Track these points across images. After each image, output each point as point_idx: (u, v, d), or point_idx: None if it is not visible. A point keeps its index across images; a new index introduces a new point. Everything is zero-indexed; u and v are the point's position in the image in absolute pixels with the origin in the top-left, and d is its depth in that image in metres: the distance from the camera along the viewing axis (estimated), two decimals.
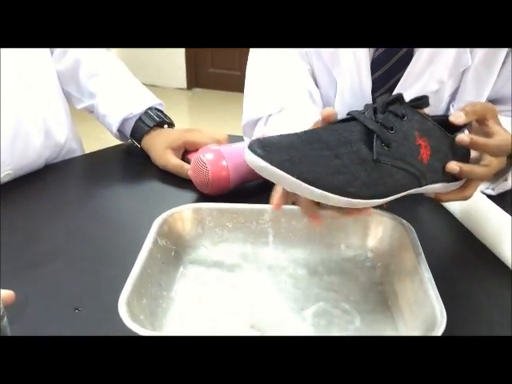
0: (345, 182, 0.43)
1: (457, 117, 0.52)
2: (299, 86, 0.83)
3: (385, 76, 0.79)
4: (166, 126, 0.88)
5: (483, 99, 0.79)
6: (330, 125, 0.49)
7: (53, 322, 0.50)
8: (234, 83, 3.78)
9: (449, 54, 0.75)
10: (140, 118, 0.86)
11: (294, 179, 0.42)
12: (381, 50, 0.78)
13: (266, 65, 0.86)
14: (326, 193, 0.43)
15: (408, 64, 0.77)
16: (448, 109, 0.82)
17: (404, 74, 0.77)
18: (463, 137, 0.52)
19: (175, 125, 0.91)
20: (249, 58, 0.89)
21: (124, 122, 0.87)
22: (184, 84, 3.91)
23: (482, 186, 0.73)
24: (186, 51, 3.79)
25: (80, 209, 0.72)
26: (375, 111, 0.48)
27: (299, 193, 0.44)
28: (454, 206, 0.69)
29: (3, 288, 0.44)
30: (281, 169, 0.42)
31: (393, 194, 0.48)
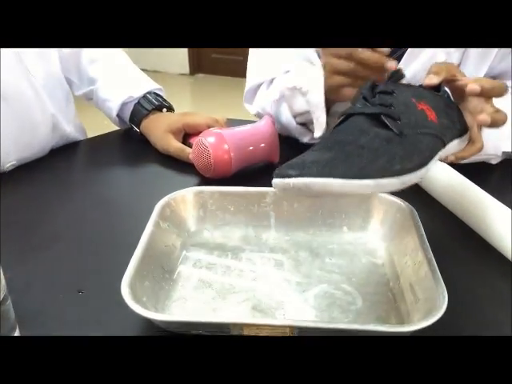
0: (386, 162, 0.42)
1: (430, 78, 0.54)
2: (300, 53, 0.83)
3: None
4: (164, 110, 0.87)
5: (481, 75, 0.79)
6: (334, 129, 0.48)
7: (56, 303, 0.51)
8: (237, 68, 3.75)
9: None
10: (139, 102, 0.86)
11: (342, 181, 0.40)
12: None
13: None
14: (379, 179, 0.41)
15: None
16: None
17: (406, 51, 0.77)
18: (472, 85, 0.53)
19: (175, 109, 0.90)
20: None
21: (123, 106, 0.87)
22: (187, 70, 3.89)
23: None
24: None
25: (82, 193, 0.72)
26: (366, 100, 0.48)
27: (351, 192, 0.42)
28: (454, 205, 0.68)
29: (7, 271, 0.44)
30: (323, 176, 0.40)
31: (430, 159, 0.47)
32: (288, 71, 0.81)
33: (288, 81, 0.76)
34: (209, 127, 0.79)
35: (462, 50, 0.78)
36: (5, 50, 0.72)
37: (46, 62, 0.81)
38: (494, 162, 0.78)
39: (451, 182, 0.66)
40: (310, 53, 0.82)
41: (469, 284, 0.54)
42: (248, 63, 0.91)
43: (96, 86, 0.88)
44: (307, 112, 0.74)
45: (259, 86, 0.89)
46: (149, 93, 0.87)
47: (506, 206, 0.60)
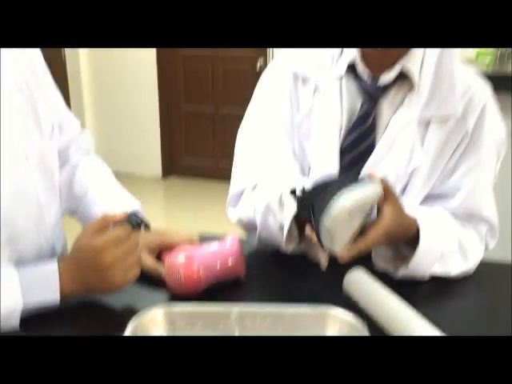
0: None
1: (341, 258, 0.73)
2: (282, 160, 0.93)
3: (350, 164, 0.89)
4: (141, 227, 0.94)
5: (424, 194, 0.89)
6: None
7: None
8: (208, 172, 3.92)
9: (404, 150, 0.86)
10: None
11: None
12: (348, 139, 0.88)
13: (252, 143, 0.96)
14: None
15: (370, 154, 0.87)
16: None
17: (365, 165, 0.87)
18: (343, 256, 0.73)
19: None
20: (238, 136, 0.99)
21: None
22: (159, 172, 4.03)
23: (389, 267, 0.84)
24: (161, 140, 3.94)
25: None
26: None
27: None
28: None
29: None
30: None
31: None
32: (269, 178, 0.91)
33: (273, 195, 0.85)
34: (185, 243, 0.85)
35: (408, 175, 0.88)
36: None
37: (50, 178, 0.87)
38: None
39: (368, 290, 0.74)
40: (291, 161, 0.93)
41: None
42: (233, 168, 0.99)
43: (82, 204, 0.95)
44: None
45: (243, 191, 0.96)
46: (131, 212, 0.93)
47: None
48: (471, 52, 2.24)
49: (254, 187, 0.93)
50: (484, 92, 0.87)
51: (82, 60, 3.87)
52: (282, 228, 0.82)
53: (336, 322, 0.65)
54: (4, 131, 0.73)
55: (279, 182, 0.87)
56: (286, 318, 0.66)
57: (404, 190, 0.89)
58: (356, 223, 0.73)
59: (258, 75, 3.74)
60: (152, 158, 4.01)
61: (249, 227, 0.94)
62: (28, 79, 0.79)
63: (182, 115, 3.92)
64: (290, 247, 0.85)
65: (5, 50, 0.75)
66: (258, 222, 0.88)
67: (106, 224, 0.74)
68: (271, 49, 3.44)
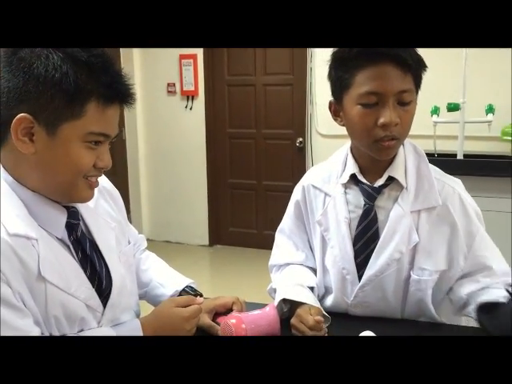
0: None
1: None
2: (301, 250, 1.29)
3: (363, 248, 1.16)
4: (198, 296, 1.22)
5: (433, 266, 1.12)
6: None
7: None
8: (252, 241, 4.21)
9: (403, 233, 1.11)
10: (180, 294, 1.20)
11: None
12: (358, 229, 1.15)
13: (280, 237, 1.34)
14: None
15: (378, 239, 1.13)
16: (409, 275, 1.14)
17: (376, 248, 1.13)
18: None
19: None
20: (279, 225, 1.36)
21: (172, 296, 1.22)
22: (206, 241, 4.36)
23: None
24: (208, 211, 4.30)
25: None
26: None
27: None
28: None
29: None
30: None
31: None
32: (287, 264, 1.28)
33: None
34: (233, 304, 1.14)
35: (412, 250, 1.12)
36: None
37: (132, 272, 1.17)
38: None
39: None
40: (307, 251, 1.28)
41: None
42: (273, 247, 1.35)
43: (148, 288, 1.24)
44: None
45: (273, 268, 1.34)
46: (187, 286, 1.22)
47: None
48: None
49: (279, 267, 1.32)
50: (456, 184, 1.14)
51: (140, 143, 4.36)
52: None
53: None
54: (110, 242, 1.05)
55: (288, 274, 1.25)
56: None
57: (412, 263, 1.14)
58: None
59: (298, 150, 4.10)
60: (200, 228, 4.36)
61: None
62: (113, 207, 1.12)
63: (227, 189, 4.29)
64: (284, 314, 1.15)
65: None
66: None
67: (187, 303, 1.06)
68: (309, 129, 3.81)
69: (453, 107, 2.33)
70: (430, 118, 2.43)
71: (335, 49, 1.10)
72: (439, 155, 2.38)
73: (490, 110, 2.40)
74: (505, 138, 3.06)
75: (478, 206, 1.16)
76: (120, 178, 4.10)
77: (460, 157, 2.36)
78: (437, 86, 2.91)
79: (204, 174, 4.24)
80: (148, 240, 1.36)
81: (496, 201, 2.13)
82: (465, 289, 1.12)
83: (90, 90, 0.83)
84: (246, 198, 4.24)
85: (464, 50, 2.28)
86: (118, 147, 4.25)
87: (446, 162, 2.22)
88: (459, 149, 2.37)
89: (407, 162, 1.14)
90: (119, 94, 0.87)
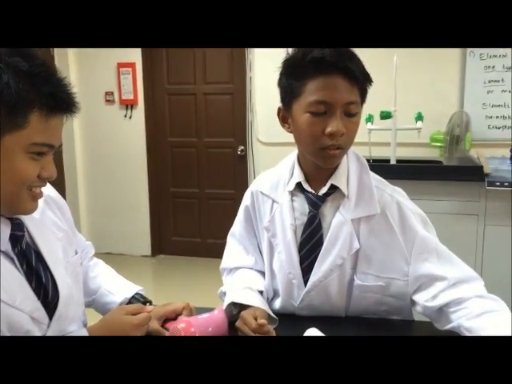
0: None
1: None
2: (251, 254, 1.32)
3: (308, 254, 1.20)
4: (147, 304, 1.22)
5: (375, 272, 1.17)
6: None
7: None
8: (195, 249, 4.20)
9: (344, 240, 1.16)
10: (130, 301, 1.21)
11: None
12: (303, 236, 1.19)
13: (231, 241, 1.37)
14: None
15: (322, 245, 1.18)
16: (353, 279, 1.20)
17: (320, 253, 1.18)
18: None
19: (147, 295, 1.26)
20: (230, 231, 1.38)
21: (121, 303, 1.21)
22: (149, 251, 4.30)
23: None
24: (150, 221, 4.25)
25: None
26: None
27: None
28: None
29: None
30: None
31: None
32: (237, 268, 1.30)
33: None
34: (183, 309, 1.15)
35: (353, 256, 1.17)
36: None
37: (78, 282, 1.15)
38: None
39: None
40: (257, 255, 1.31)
41: None
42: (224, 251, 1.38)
43: (97, 295, 1.24)
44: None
45: (225, 269, 1.36)
46: (136, 293, 1.23)
47: None
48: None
49: (230, 271, 1.34)
50: (395, 192, 1.19)
51: (78, 152, 4.25)
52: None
53: None
54: (57, 253, 1.04)
55: (238, 278, 1.29)
56: None
57: (355, 268, 1.19)
58: None
59: (239, 157, 4.15)
60: (142, 238, 4.30)
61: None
62: (59, 217, 1.11)
63: (169, 198, 4.27)
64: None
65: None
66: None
67: (136, 311, 1.07)
68: (250, 137, 3.87)
69: (385, 115, 2.46)
70: (365, 125, 2.55)
71: (287, 56, 1.12)
72: (374, 161, 2.49)
73: (419, 117, 2.56)
74: (433, 144, 3.26)
75: None
76: (57, 188, 3.95)
77: (393, 162, 2.49)
78: (371, 95, 3.07)
79: (145, 183, 4.20)
80: None
81: (426, 203, 2.27)
82: (421, 298, 1.13)
83: (32, 100, 0.82)
84: (189, 206, 4.24)
85: (395, 60, 2.41)
86: (55, 156, 4.07)
87: (380, 167, 2.34)
88: (392, 154, 2.50)
89: (350, 172, 1.19)
90: (62, 103, 0.87)
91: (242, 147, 3.97)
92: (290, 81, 1.10)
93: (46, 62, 0.85)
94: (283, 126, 1.18)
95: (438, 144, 3.23)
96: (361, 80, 1.08)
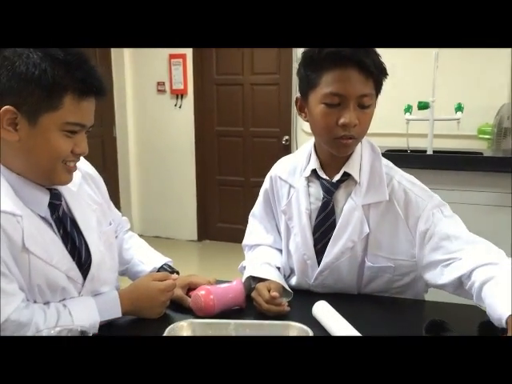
0: None
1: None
2: (270, 233, 1.41)
3: (321, 237, 1.28)
4: (174, 273, 1.33)
5: (385, 253, 1.23)
6: None
7: None
8: (239, 236, 4.30)
9: (355, 225, 1.22)
10: (158, 270, 1.32)
11: None
12: (318, 219, 1.27)
13: (252, 221, 1.48)
14: None
15: (334, 229, 1.25)
16: (364, 261, 1.27)
17: (332, 236, 1.25)
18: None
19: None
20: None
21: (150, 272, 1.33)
22: (195, 236, 4.47)
23: None
24: (197, 208, 4.41)
25: None
26: None
27: None
28: None
29: None
30: None
31: None
32: (258, 245, 1.40)
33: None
34: (208, 282, 1.25)
35: (364, 240, 1.24)
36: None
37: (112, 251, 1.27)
38: None
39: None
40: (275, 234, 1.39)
41: None
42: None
43: (130, 264, 1.36)
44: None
45: (246, 245, 1.47)
46: (164, 264, 1.34)
47: None
48: None
49: (250, 248, 1.43)
50: (402, 179, 1.23)
51: (131, 140, 4.46)
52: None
53: (294, 330, 1.02)
54: (91, 222, 1.15)
55: (258, 254, 1.39)
56: (264, 327, 1.04)
57: (365, 250, 1.26)
58: None
59: (284, 147, 4.18)
60: (189, 224, 4.47)
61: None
62: (95, 191, 1.22)
63: (215, 185, 4.40)
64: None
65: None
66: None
67: (163, 278, 1.18)
68: (295, 127, 3.93)
69: (423, 105, 2.45)
70: (403, 115, 2.55)
71: (307, 48, 1.18)
72: (412, 151, 2.50)
73: (459, 108, 2.53)
74: (480, 136, 3.20)
75: (445, 200, 1.21)
76: (110, 175, 4.20)
77: (429, 152, 2.48)
78: (410, 86, 3.06)
79: (193, 170, 4.35)
80: (138, 235, 1.47)
81: (461, 194, 2.26)
82: (436, 257, 1.15)
83: (66, 85, 0.94)
84: (234, 194, 4.36)
85: (435, 51, 2.40)
86: (109, 145, 4.35)
87: (415, 157, 2.35)
88: (429, 145, 2.49)
89: (362, 160, 1.24)
90: (92, 87, 0.98)
91: (287, 137, 4.04)
92: (308, 72, 1.16)
93: (79, 51, 0.97)
94: (300, 114, 1.25)
95: (486, 136, 3.16)
96: (375, 73, 1.12)
